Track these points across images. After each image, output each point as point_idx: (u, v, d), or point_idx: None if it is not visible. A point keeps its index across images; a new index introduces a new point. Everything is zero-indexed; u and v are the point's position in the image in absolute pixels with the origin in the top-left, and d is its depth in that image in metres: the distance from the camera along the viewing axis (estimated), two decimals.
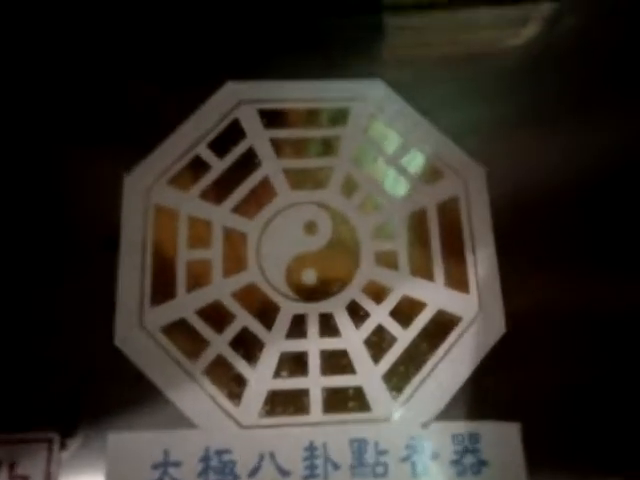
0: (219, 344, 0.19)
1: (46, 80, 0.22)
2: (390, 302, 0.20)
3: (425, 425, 0.18)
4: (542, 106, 0.23)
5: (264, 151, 0.22)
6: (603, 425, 0.19)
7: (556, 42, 0.24)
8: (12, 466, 0.17)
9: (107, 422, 0.18)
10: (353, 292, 0.20)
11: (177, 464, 0.18)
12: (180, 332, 0.19)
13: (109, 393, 0.18)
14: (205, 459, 0.18)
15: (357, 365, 0.19)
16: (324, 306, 0.20)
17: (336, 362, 0.19)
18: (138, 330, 0.19)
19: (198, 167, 0.21)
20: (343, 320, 0.20)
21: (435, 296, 0.20)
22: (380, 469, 0.18)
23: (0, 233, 0.20)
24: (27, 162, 0.21)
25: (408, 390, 0.19)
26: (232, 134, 0.22)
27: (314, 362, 0.19)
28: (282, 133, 0.22)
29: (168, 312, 0.20)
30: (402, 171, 0.22)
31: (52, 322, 0.19)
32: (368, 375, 0.19)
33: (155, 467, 0.18)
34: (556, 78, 0.23)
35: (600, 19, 0.24)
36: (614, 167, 0.22)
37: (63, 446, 0.18)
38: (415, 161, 0.22)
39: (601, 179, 0.22)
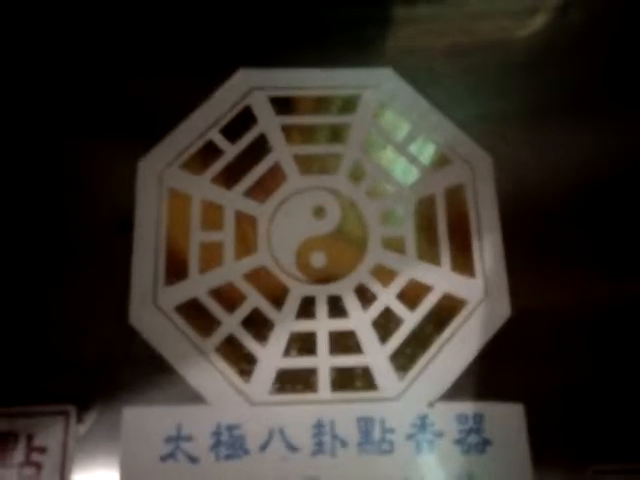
0: (231, 323, 0.20)
1: (62, 66, 0.22)
2: (397, 285, 0.20)
3: (430, 405, 0.19)
4: (551, 96, 0.22)
5: (275, 137, 0.22)
6: (606, 408, 0.19)
7: (566, 32, 0.24)
8: (30, 438, 0.18)
9: (122, 397, 0.18)
10: (361, 275, 0.20)
11: (189, 438, 0.18)
12: (193, 311, 0.20)
13: (124, 369, 0.19)
14: (216, 434, 0.18)
15: (365, 345, 0.20)
16: (333, 288, 0.20)
17: (344, 342, 0.20)
18: (152, 309, 0.20)
19: (211, 152, 0.22)
20: (351, 302, 0.20)
21: (441, 280, 0.20)
22: (386, 446, 0.18)
23: (18, 219, 0.20)
24: (42, 147, 0.21)
25: (414, 370, 0.19)
26: (244, 120, 0.22)
27: (323, 342, 0.20)
28: (293, 120, 0.22)
29: (181, 292, 0.20)
30: (410, 158, 0.22)
31: (69, 301, 0.19)
32: (375, 355, 0.19)
33: (168, 441, 0.18)
34: (565, 68, 0.23)
35: (610, 9, 0.24)
36: (622, 158, 0.22)
37: (79, 419, 0.18)
38: (423, 149, 0.22)
39: (610, 170, 0.22)
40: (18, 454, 0.18)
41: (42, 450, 0.18)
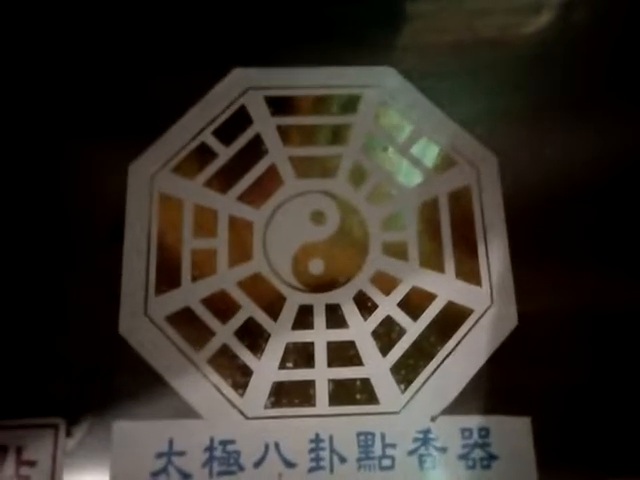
0: (224, 334, 0.19)
1: (51, 67, 0.22)
2: (399, 293, 0.20)
3: (433, 419, 0.18)
4: (557, 94, 0.22)
5: (271, 139, 0.22)
6: (614, 420, 0.19)
7: (570, 29, 0.23)
8: (19, 451, 0.18)
9: (112, 411, 0.18)
10: (361, 283, 0.20)
11: (181, 454, 0.18)
12: (185, 321, 0.19)
13: (114, 382, 0.18)
14: (210, 449, 0.18)
15: (364, 357, 0.19)
16: (331, 297, 0.20)
17: (343, 354, 0.19)
18: (143, 319, 0.19)
19: (204, 154, 0.21)
20: (350, 311, 0.20)
21: (445, 288, 0.20)
22: (387, 462, 0.18)
23: (6, 223, 0.20)
24: (31, 149, 0.21)
25: (416, 383, 0.19)
26: (239, 121, 0.22)
27: (320, 353, 0.19)
28: (290, 120, 0.22)
29: (173, 301, 0.19)
30: (413, 160, 0.22)
31: (57, 311, 0.19)
32: (376, 367, 0.19)
33: (159, 456, 0.18)
34: (570, 66, 0.23)
35: (613, 8, 0.24)
36: (630, 157, 0.21)
37: (69, 433, 0.18)
38: (427, 150, 0.22)
39: (617, 169, 0.21)
40: (7, 467, 0.17)
41: (31, 464, 0.18)
